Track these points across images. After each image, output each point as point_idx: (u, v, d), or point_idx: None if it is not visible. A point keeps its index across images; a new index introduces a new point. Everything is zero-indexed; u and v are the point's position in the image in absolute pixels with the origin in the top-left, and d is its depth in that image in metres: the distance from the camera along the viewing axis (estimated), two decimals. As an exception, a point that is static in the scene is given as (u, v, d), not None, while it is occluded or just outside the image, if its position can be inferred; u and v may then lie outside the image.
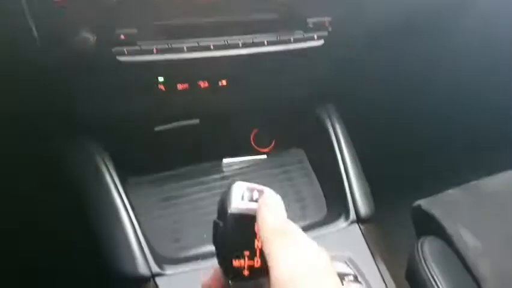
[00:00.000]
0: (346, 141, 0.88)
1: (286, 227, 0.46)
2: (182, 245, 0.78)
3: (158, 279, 0.68)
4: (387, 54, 0.95)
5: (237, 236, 0.49)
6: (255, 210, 0.49)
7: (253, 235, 0.49)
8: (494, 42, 1.13)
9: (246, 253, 0.49)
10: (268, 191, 0.51)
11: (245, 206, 0.49)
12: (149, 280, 0.68)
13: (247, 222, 0.49)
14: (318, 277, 0.43)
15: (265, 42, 0.73)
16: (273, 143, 0.96)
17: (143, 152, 0.86)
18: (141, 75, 0.74)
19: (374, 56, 0.89)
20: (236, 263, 0.49)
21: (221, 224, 0.50)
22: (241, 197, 0.50)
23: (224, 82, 0.79)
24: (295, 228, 0.46)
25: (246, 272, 0.49)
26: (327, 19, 0.75)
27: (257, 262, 0.49)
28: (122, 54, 0.68)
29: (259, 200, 0.48)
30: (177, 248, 0.78)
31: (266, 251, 0.45)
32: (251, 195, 0.50)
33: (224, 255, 0.50)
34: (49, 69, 0.68)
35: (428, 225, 0.92)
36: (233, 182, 0.52)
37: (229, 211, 0.49)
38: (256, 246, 0.49)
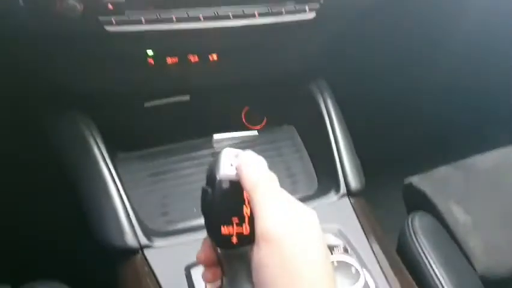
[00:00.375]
0: (337, 117, 0.88)
1: (271, 177, 0.46)
2: (171, 219, 0.78)
3: (146, 251, 0.68)
4: (380, 28, 0.95)
5: (225, 202, 0.49)
6: None
7: (241, 202, 0.49)
8: (494, 16, 1.12)
9: (235, 220, 0.49)
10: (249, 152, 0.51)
11: (234, 172, 0.49)
12: (138, 252, 0.68)
13: (235, 188, 0.49)
14: (305, 238, 0.43)
15: (256, 14, 0.72)
16: (265, 120, 0.96)
17: (133, 128, 0.85)
18: (129, 47, 0.73)
19: (367, 30, 0.89)
20: (225, 230, 0.49)
21: (210, 190, 0.49)
22: (229, 164, 0.50)
23: (214, 56, 0.79)
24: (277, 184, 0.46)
25: (234, 239, 0.49)
26: None
27: (246, 229, 0.49)
28: (110, 24, 0.66)
29: (239, 160, 0.48)
30: (166, 221, 0.77)
31: (252, 203, 0.45)
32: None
33: (213, 222, 0.50)
34: (36, 39, 0.67)
35: (419, 202, 0.92)
36: (222, 150, 0.52)
37: (217, 177, 0.49)
38: (244, 213, 0.49)
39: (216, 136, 0.89)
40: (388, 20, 0.93)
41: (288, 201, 0.45)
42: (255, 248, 0.43)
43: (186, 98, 0.88)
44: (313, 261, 0.42)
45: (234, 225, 0.49)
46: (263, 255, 0.42)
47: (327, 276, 0.42)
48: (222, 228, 0.49)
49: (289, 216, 0.44)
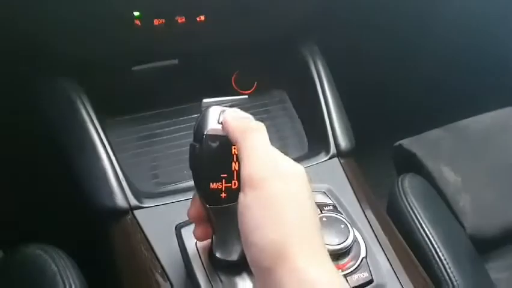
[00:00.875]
0: (328, 80, 0.87)
1: (259, 126, 0.47)
2: (161, 181, 0.78)
3: (136, 212, 0.68)
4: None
5: (213, 157, 0.49)
6: None
7: (229, 157, 0.49)
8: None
9: (223, 175, 0.49)
10: (246, 115, 0.51)
11: (221, 127, 0.49)
12: (128, 213, 0.68)
13: (223, 143, 0.49)
14: (291, 183, 0.43)
15: None
16: (255, 85, 0.95)
17: (122, 92, 0.84)
18: (115, 7, 0.72)
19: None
20: (213, 185, 0.49)
21: (197, 146, 0.49)
22: (217, 120, 0.50)
23: (202, 17, 0.77)
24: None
25: (223, 195, 0.49)
26: None
27: (234, 184, 0.49)
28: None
29: (225, 114, 0.49)
30: (156, 183, 0.77)
31: (239, 151, 0.45)
32: None
33: (201, 178, 0.50)
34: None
35: (409, 164, 0.93)
36: (209, 107, 0.51)
37: (205, 132, 0.49)
38: (233, 169, 0.49)
39: (205, 100, 0.88)
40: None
41: (275, 153, 0.46)
42: (241, 196, 0.43)
43: (175, 62, 0.87)
44: (298, 205, 0.43)
45: (223, 180, 0.49)
46: (248, 200, 0.42)
47: (310, 222, 0.42)
48: (211, 184, 0.49)
49: (276, 163, 0.44)
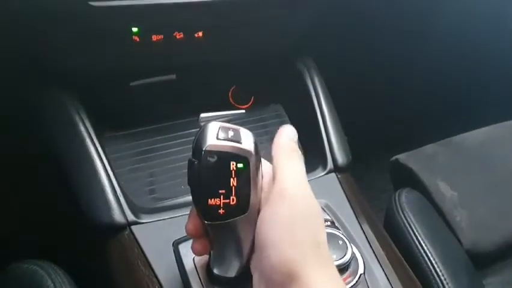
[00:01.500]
0: (324, 95, 0.88)
1: (299, 151, 0.50)
2: (158, 196, 0.77)
3: (134, 228, 0.68)
4: (369, 3, 0.94)
5: (212, 173, 0.49)
6: (230, 147, 0.49)
7: (228, 173, 0.49)
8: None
9: (222, 191, 0.49)
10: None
11: (220, 143, 0.49)
12: (126, 228, 0.68)
13: (222, 159, 0.49)
14: (314, 208, 0.47)
15: None
16: (252, 100, 0.95)
17: (119, 107, 0.84)
18: (114, 23, 0.72)
19: (355, 6, 0.88)
20: (212, 201, 0.49)
21: (196, 162, 0.49)
22: (216, 135, 0.50)
23: (200, 33, 0.78)
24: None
25: (221, 211, 0.49)
26: None
27: (233, 200, 0.49)
28: (93, -3, 0.66)
29: (280, 127, 0.52)
30: (153, 199, 0.77)
31: (274, 164, 0.48)
32: (226, 134, 0.50)
33: (199, 194, 0.50)
34: (19, 14, 0.66)
35: (406, 179, 0.93)
36: (208, 122, 0.52)
37: (204, 148, 0.49)
38: (231, 185, 0.49)
39: (203, 115, 0.89)
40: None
41: (305, 180, 0.49)
42: (267, 206, 0.46)
43: (172, 76, 0.87)
44: (314, 225, 0.46)
45: (221, 196, 0.49)
46: (275, 210, 0.45)
47: (322, 241, 0.45)
48: (209, 200, 0.49)
49: (306, 187, 0.48)
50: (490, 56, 1.26)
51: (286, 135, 0.50)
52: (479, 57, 1.25)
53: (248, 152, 0.49)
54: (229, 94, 0.94)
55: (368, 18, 0.98)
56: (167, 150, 0.83)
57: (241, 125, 0.82)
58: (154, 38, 0.75)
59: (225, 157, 0.49)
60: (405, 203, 0.83)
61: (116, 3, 0.67)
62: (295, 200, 0.45)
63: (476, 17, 1.17)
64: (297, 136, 0.51)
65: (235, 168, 0.48)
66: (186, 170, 0.50)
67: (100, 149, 0.74)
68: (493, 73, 1.28)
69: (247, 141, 0.50)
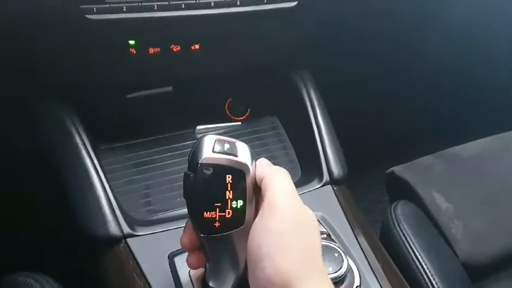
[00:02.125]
0: (320, 107, 0.88)
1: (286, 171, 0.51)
2: (154, 209, 0.77)
3: (129, 240, 0.67)
4: (364, 18, 0.95)
5: (207, 187, 0.49)
6: (226, 160, 0.49)
7: (224, 186, 0.49)
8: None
9: (217, 204, 0.49)
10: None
11: (216, 156, 0.49)
12: (121, 241, 0.68)
13: (217, 172, 0.49)
14: (306, 219, 0.48)
15: (238, 1, 0.71)
16: (248, 112, 0.96)
17: (116, 119, 0.84)
18: (111, 36, 0.72)
19: (351, 20, 0.89)
20: (207, 214, 0.49)
21: (192, 175, 0.49)
22: (211, 148, 0.50)
23: (197, 46, 0.78)
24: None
25: (217, 224, 0.49)
26: None
27: (228, 213, 0.49)
28: (91, 12, 0.66)
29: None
30: (149, 211, 0.77)
31: (265, 180, 0.49)
32: (222, 147, 0.50)
33: (195, 207, 0.50)
34: (16, 27, 0.66)
35: (402, 191, 0.93)
36: (204, 135, 0.52)
37: (199, 161, 0.49)
38: (227, 198, 0.49)
39: (199, 127, 0.89)
40: (373, 9, 0.93)
41: (295, 193, 0.49)
42: (258, 218, 0.47)
43: (169, 89, 0.88)
44: (308, 236, 0.46)
45: (217, 210, 0.49)
46: (267, 222, 0.45)
47: (317, 253, 0.46)
48: (205, 213, 0.49)
49: (295, 198, 0.48)
50: (486, 69, 1.27)
51: (265, 161, 0.52)
52: (474, 71, 1.26)
53: (244, 165, 0.49)
54: (226, 106, 0.95)
55: (365, 31, 0.99)
56: (164, 163, 0.83)
57: (237, 137, 0.84)
58: (151, 50, 0.76)
59: (220, 170, 0.49)
60: (401, 215, 0.83)
61: (112, 17, 0.67)
62: (287, 212, 0.46)
63: (471, 30, 1.18)
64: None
65: (231, 181, 0.49)
66: (182, 182, 0.50)
67: (96, 161, 0.74)
68: (489, 86, 1.29)
69: (243, 154, 0.51)
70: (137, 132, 0.86)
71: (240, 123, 0.93)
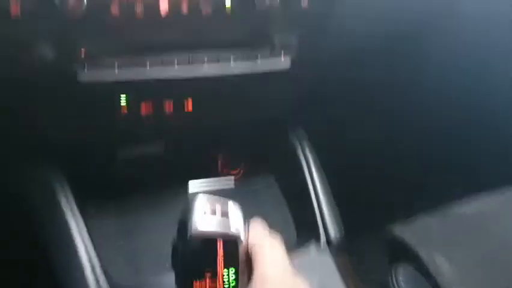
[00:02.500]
0: (316, 167, 0.87)
1: (277, 238, 0.49)
2: (142, 274, 0.75)
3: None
4: (360, 73, 0.95)
5: (198, 257, 0.47)
6: (217, 234, 0.47)
7: (215, 255, 0.47)
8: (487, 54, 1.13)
9: (208, 274, 0.46)
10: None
11: (207, 228, 0.47)
12: None
13: (208, 246, 0.47)
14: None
15: (231, 58, 0.71)
16: (242, 168, 0.94)
17: (105, 178, 0.83)
18: (102, 96, 0.71)
19: (346, 78, 0.89)
20: (197, 284, 0.46)
21: (181, 246, 0.47)
22: (202, 217, 0.47)
23: (190, 107, 0.77)
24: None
25: (207, 298, 0.46)
26: (293, 39, 0.74)
27: (219, 283, 0.46)
28: (83, 71, 0.65)
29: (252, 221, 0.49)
30: (137, 277, 0.75)
31: (254, 250, 0.47)
32: (213, 217, 0.48)
33: (184, 278, 0.47)
34: (4, 86, 0.65)
35: (401, 251, 0.90)
36: (194, 196, 0.50)
37: (189, 234, 0.47)
38: (218, 267, 0.47)
39: (192, 183, 0.88)
40: (369, 65, 0.93)
41: (287, 263, 0.47)
42: None
43: (160, 149, 0.87)
44: None
45: (207, 279, 0.46)
46: None
47: None
48: (194, 283, 0.46)
49: (287, 271, 0.46)
50: (492, 122, 1.25)
51: (261, 224, 0.50)
52: (479, 120, 1.25)
53: (237, 236, 0.47)
54: (219, 162, 0.93)
55: (365, 82, 0.98)
56: (154, 225, 0.82)
57: (231, 195, 0.82)
58: (143, 111, 0.75)
59: (212, 242, 0.47)
60: (402, 282, 0.80)
61: (104, 78, 0.66)
62: (278, 285, 0.44)
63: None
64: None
65: (222, 254, 0.46)
66: (171, 246, 0.49)
67: (82, 226, 0.72)
68: (492, 141, 1.27)
69: (236, 221, 0.48)
70: (128, 189, 0.85)
71: (233, 177, 0.92)
